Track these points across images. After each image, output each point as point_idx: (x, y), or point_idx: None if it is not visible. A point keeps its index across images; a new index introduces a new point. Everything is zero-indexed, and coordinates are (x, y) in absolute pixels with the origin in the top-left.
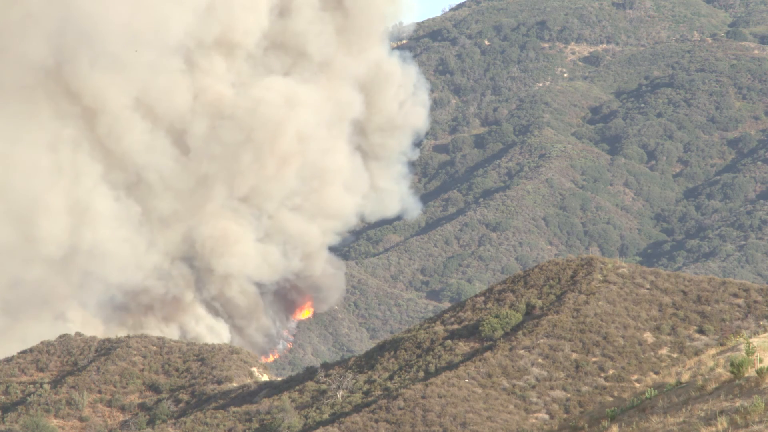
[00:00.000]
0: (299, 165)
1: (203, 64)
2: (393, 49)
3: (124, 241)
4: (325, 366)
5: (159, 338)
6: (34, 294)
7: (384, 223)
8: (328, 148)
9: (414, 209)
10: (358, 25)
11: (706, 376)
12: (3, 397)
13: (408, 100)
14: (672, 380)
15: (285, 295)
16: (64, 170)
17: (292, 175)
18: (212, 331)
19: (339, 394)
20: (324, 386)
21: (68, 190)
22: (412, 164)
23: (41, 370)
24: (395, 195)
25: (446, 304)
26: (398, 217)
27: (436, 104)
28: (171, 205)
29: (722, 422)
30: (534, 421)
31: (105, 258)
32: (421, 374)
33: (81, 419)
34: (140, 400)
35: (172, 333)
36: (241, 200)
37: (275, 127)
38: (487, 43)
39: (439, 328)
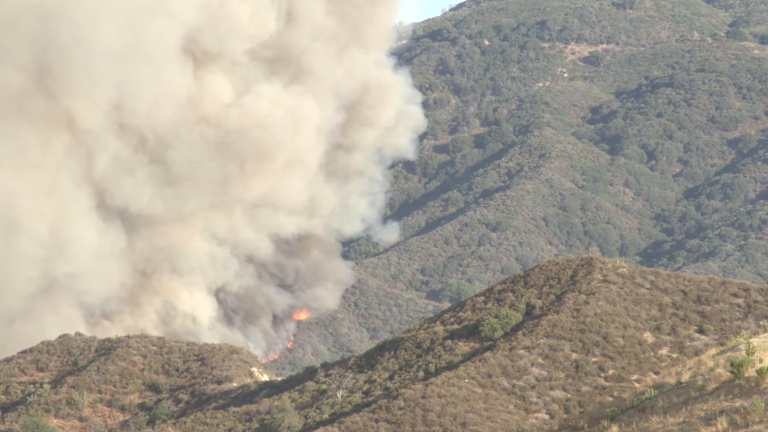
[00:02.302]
0: (269, 185)
1: (193, 77)
2: (393, 49)
3: (102, 266)
4: (325, 366)
5: (159, 338)
6: (7, 312)
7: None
8: (297, 168)
9: (382, 231)
10: (358, 39)
11: (706, 376)
12: (3, 397)
13: (397, 123)
14: (672, 380)
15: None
16: (47, 194)
17: (261, 192)
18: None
19: (339, 394)
20: (324, 386)
21: (50, 214)
22: (411, 164)
23: (41, 370)
24: (357, 216)
25: (446, 304)
26: (362, 238)
27: (436, 104)
28: (149, 232)
29: (722, 422)
30: (534, 421)
31: (81, 282)
32: (421, 374)
33: (81, 419)
34: (140, 400)
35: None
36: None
37: (264, 150)
38: (487, 43)
39: (439, 328)
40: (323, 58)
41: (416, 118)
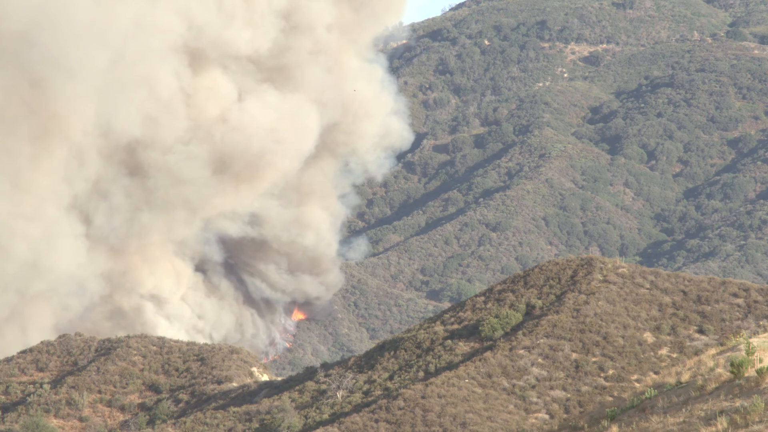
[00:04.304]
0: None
1: (182, 92)
2: (393, 49)
3: (80, 287)
4: (325, 366)
5: (159, 338)
6: None
7: (383, 223)
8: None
9: (346, 248)
10: (355, 51)
11: (706, 376)
12: (3, 397)
13: (373, 145)
14: (672, 380)
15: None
16: (31, 216)
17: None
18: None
19: (339, 394)
20: (324, 386)
21: (34, 235)
22: (411, 164)
23: (41, 370)
24: (312, 232)
25: (446, 304)
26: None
27: (436, 104)
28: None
29: (722, 422)
30: (534, 421)
31: (61, 299)
32: (421, 374)
33: (81, 419)
34: (140, 400)
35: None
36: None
37: (253, 167)
38: (487, 43)
39: (439, 328)
40: (317, 74)
41: (399, 135)
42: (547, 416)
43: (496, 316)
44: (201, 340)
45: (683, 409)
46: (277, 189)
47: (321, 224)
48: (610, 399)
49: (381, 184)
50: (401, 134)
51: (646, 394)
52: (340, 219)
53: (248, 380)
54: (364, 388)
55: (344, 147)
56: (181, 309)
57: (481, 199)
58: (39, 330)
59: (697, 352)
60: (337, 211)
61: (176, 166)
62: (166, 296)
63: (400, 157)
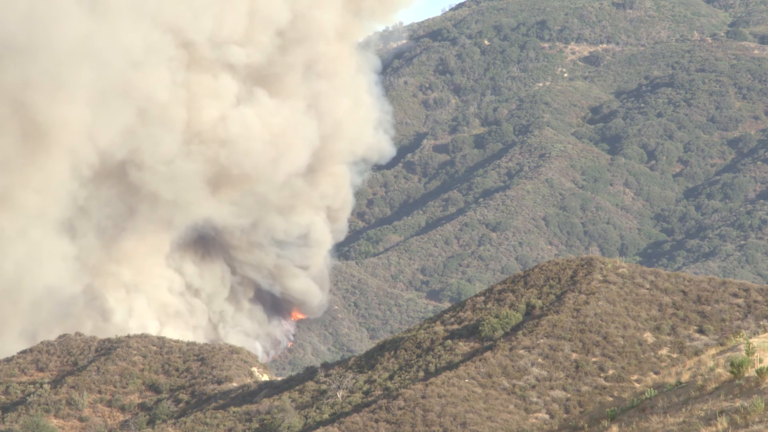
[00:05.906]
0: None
1: (175, 102)
2: (393, 48)
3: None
4: (325, 366)
5: (159, 338)
6: None
7: (383, 223)
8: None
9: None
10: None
11: (706, 376)
12: (3, 397)
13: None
14: (672, 380)
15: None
16: (17, 235)
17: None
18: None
19: (339, 394)
20: (324, 386)
21: (20, 255)
22: (411, 164)
23: (41, 370)
24: (263, 238)
25: (446, 304)
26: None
27: (436, 104)
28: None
29: (722, 422)
30: (534, 421)
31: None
32: (421, 374)
33: (81, 419)
34: (140, 400)
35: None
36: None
37: (242, 177)
38: (487, 43)
39: (439, 328)
40: (305, 86)
41: (379, 150)
42: (547, 416)
43: (496, 316)
44: (190, 325)
45: (683, 409)
46: (249, 198)
47: (277, 234)
48: (610, 399)
49: (381, 183)
50: (381, 149)
51: (646, 394)
52: (323, 232)
53: (248, 380)
54: (364, 388)
55: (319, 162)
56: (165, 294)
57: (481, 199)
58: (11, 338)
59: (697, 352)
60: (311, 222)
61: (167, 183)
62: (147, 289)
63: (400, 156)
